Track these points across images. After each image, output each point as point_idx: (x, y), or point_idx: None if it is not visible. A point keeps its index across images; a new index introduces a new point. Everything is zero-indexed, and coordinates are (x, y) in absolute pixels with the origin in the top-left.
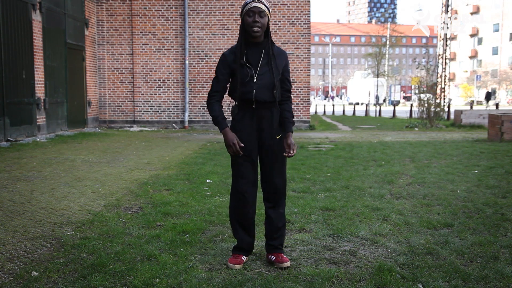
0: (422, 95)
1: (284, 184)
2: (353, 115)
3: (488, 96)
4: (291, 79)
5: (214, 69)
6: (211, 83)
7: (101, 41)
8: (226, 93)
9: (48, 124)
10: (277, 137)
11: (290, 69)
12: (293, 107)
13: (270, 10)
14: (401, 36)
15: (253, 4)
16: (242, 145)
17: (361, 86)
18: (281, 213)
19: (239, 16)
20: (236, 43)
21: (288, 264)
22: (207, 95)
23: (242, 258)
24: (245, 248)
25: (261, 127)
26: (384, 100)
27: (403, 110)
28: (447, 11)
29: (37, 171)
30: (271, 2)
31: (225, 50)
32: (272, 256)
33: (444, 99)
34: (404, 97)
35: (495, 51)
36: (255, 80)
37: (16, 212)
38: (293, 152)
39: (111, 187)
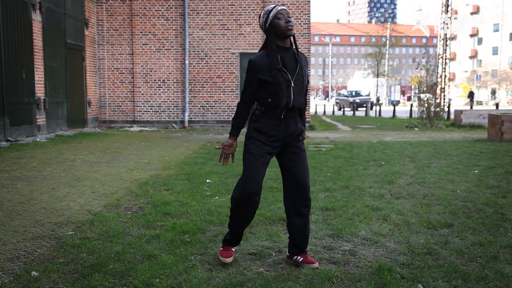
0: (422, 95)
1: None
2: (353, 115)
3: (471, 95)
4: None
5: (214, 69)
6: (243, 88)
7: (101, 41)
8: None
9: (48, 124)
10: (300, 139)
11: None
12: None
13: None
14: (401, 36)
15: (279, 8)
16: (229, 156)
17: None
18: (308, 219)
19: (239, 16)
20: (259, 50)
21: (317, 265)
22: (239, 100)
23: (232, 250)
24: (237, 240)
25: (286, 134)
26: (378, 100)
27: (403, 110)
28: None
29: (37, 171)
30: (271, 2)
31: (252, 57)
32: (299, 257)
33: (444, 99)
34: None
35: (495, 51)
36: (293, 85)
37: (16, 212)
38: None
39: (111, 187)
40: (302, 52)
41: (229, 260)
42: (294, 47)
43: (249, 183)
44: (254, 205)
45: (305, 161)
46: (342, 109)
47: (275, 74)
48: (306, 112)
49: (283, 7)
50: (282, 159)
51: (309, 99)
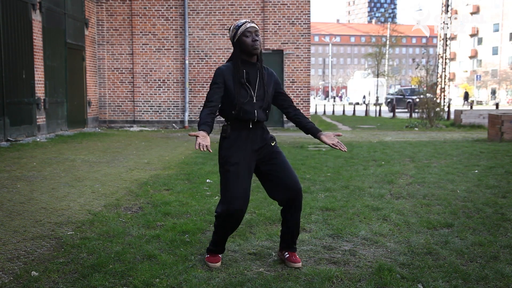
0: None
1: (299, 181)
2: (353, 115)
3: (466, 96)
4: (291, 79)
5: (214, 69)
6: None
7: (101, 41)
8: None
9: (48, 124)
10: (272, 144)
11: (290, 69)
12: None
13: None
14: (401, 36)
15: (249, 25)
16: (205, 147)
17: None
18: (299, 215)
19: (239, 16)
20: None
21: (300, 265)
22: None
23: (219, 256)
24: (222, 249)
25: (256, 144)
26: (377, 100)
27: (403, 110)
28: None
29: (37, 171)
30: (271, 2)
31: (220, 65)
32: (287, 254)
33: (444, 99)
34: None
35: (495, 51)
36: (254, 100)
37: (16, 212)
38: (340, 144)
39: (111, 187)
40: (268, 67)
41: (218, 265)
42: (259, 62)
43: (236, 200)
44: (240, 219)
45: (287, 163)
46: (393, 111)
47: (237, 88)
48: (307, 112)
49: (252, 25)
50: (263, 169)
51: (308, 99)
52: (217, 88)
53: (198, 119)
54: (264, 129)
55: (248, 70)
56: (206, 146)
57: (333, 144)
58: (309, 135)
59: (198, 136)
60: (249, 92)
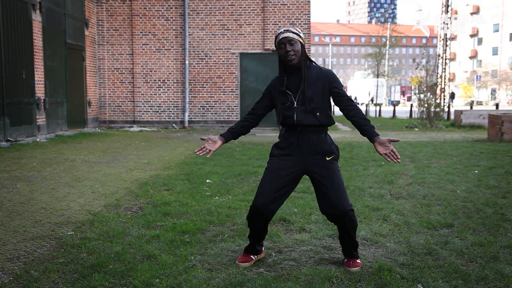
0: (422, 95)
1: (346, 203)
2: None
3: (452, 96)
4: None
5: (214, 69)
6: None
7: (101, 41)
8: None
9: (48, 124)
10: (327, 158)
11: None
12: None
13: (301, 35)
14: (401, 36)
15: (281, 36)
16: (208, 151)
17: (361, 86)
18: (349, 233)
19: (240, 16)
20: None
21: (356, 269)
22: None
23: (251, 257)
24: (253, 249)
25: (308, 150)
26: (372, 100)
27: (403, 110)
28: (447, 11)
29: (37, 171)
30: (271, 2)
31: (274, 78)
32: (345, 258)
33: (444, 99)
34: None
35: (495, 51)
36: (295, 105)
37: (16, 212)
38: (394, 154)
39: (111, 187)
40: (325, 68)
41: (243, 265)
42: (303, 67)
43: (257, 197)
44: (260, 218)
45: (337, 183)
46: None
47: (278, 96)
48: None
49: (285, 35)
50: (313, 181)
51: None
52: (262, 98)
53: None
54: (320, 137)
55: (292, 75)
56: (210, 150)
57: (385, 154)
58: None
59: (208, 140)
60: (290, 98)
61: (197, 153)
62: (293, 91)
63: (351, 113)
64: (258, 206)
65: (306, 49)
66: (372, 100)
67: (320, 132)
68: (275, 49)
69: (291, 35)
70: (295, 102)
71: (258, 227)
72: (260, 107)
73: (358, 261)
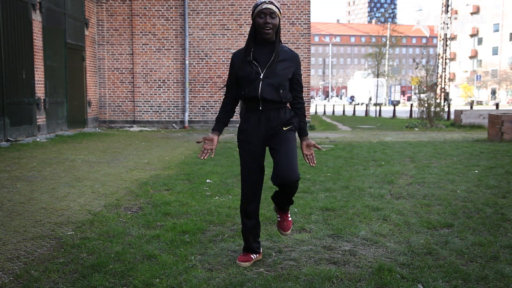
0: (422, 95)
1: (295, 173)
2: (353, 115)
3: (446, 96)
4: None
5: (214, 69)
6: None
7: (101, 41)
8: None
9: (48, 124)
10: (284, 128)
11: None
12: None
13: (281, 10)
14: (401, 36)
15: (264, 6)
16: (210, 151)
17: (361, 86)
18: (290, 196)
19: (240, 16)
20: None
21: (288, 233)
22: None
23: (251, 256)
24: (249, 246)
25: (268, 128)
26: (370, 100)
27: (403, 110)
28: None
29: (37, 171)
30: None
31: (236, 50)
32: (278, 217)
33: (444, 99)
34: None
35: (495, 51)
36: (261, 77)
37: (16, 212)
38: (312, 158)
39: (111, 187)
40: (294, 50)
41: (244, 264)
42: (277, 43)
43: (247, 203)
44: (252, 215)
45: (289, 150)
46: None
47: (243, 66)
48: (307, 112)
49: (268, 6)
50: (270, 151)
51: (309, 99)
52: (229, 75)
53: (219, 111)
54: (280, 112)
55: (260, 48)
56: (211, 149)
57: (305, 155)
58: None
59: (204, 141)
60: (255, 69)
61: (202, 157)
62: (260, 63)
63: (297, 106)
64: (251, 210)
65: (305, 48)
66: (370, 99)
67: (281, 108)
68: (252, 18)
69: (273, 7)
70: (261, 74)
71: (247, 223)
72: (232, 86)
73: (290, 218)
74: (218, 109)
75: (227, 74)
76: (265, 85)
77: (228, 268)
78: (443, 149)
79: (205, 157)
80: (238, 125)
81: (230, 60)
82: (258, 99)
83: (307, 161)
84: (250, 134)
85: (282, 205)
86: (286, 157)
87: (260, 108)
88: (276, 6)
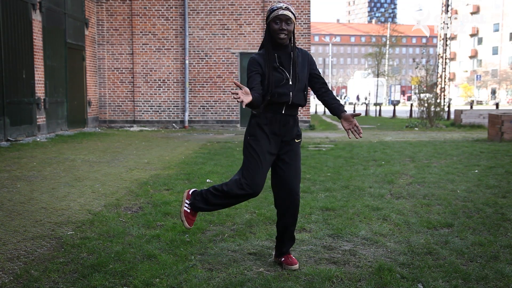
0: (422, 95)
1: (298, 192)
2: None
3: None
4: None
5: (214, 69)
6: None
7: (101, 41)
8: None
9: (48, 124)
10: (296, 141)
11: None
12: None
13: (296, 15)
14: (401, 36)
15: (281, 12)
16: (239, 99)
17: (361, 86)
18: (292, 222)
19: (240, 16)
20: (258, 47)
21: (297, 266)
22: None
23: (195, 219)
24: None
25: (284, 132)
26: (365, 99)
27: (403, 110)
28: (447, 11)
29: (37, 171)
30: (271, 2)
31: (253, 55)
32: (282, 258)
33: (444, 99)
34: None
35: (495, 51)
36: (290, 83)
37: (16, 212)
38: (357, 129)
39: (111, 187)
40: (302, 49)
41: (190, 226)
42: (292, 46)
43: (251, 185)
44: (247, 198)
45: (298, 167)
46: None
47: (270, 72)
48: (307, 112)
49: (285, 12)
50: (276, 161)
51: (309, 99)
52: (256, 73)
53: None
54: (296, 121)
55: (280, 53)
56: (243, 101)
57: (348, 129)
58: (334, 115)
59: (241, 88)
60: (284, 75)
61: (238, 100)
62: (286, 69)
63: (325, 94)
64: (255, 189)
65: (305, 48)
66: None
67: (296, 114)
68: (267, 23)
69: (290, 14)
70: (290, 80)
71: (236, 203)
72: (259, 84)
73: (293, 257)
74: (218, 109)
75: (228, 73)
76: (294, 90)
77: (228, 268)
78: (443, 149)
79: (237, 98)
80: (238, 125)
81: (232, 60)
82: (288, 103)
83: (351, 135)
84: (267, 130)
85: (285, 243)
86: (296, 173)
87: (283, 112)
88: (292, 12)
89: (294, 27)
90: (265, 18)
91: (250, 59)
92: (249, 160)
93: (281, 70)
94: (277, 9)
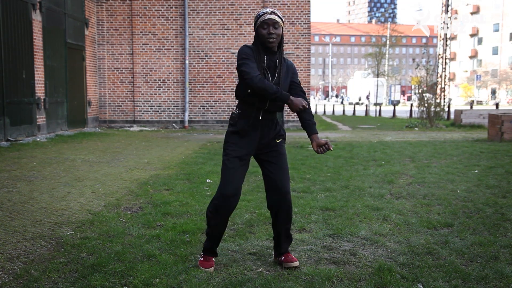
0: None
1: (288, 186)
2: (353, 115)
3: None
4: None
5: (214, 69)
6: (242, 71)
7: (101, 41)
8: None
9: (48, 124)
10: (277, 141)
11: None
12: None
13: (284, 20)
14: (401, 36)
15: (267, 16)
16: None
17: (361, 86)
18: (287, 222)
19: (240, 16)
20: (251, 44)
21: (297, 263)
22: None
23: (213, 259)
24: (215, 247)
25: (262, 137)
26: (359, 99)
27: (403, 110)
28: (447, 11)
29: (37, 171)
30: (271, 2)
31: (243, 46)
32: (282, 257)
33: (444, 99)
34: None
35: (495, 51)
36: None
37: (16, 212)
38: (328, 146)
39: (111, 187)
40: (289, 60)
41: (212, 269)
42: (280, 53)
43: (227, 186)
44: (228, 208)
45: (284, 166)
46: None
47: (260, 71)
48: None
49: (271, 16)
50: (261, 163)
51: (309, 98)
52: (250, 60)
53: (269, 88)
54: (274, 123)
55: (269, 57)
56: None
57: (317, 151)
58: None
59: (296, 102)
60: (268, 78)
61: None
62: (270, 73)
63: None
64: (230, 194)
65: (305, 48)
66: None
67: (275, 117)
68: (255, 28)
69: (277, 18)
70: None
71: (223, 220)
72: (255, 67)
73: (292, 255)
74: (218, 109)
75: (228, 73)
76: None
77: (228, 268)
78: (443, 149)
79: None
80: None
81: (232, 60)
82: (265, 109)
83: (320, 153)
84: (241, 142)
85: (282, 241)
86: (283, 171)
87: (260, 118)
88: (279, 16)
89: (282, 31)
90: (254, 24)
91: (243, 47)
92: (224, 166)
93: (266, 72)
94: (264, 14)
